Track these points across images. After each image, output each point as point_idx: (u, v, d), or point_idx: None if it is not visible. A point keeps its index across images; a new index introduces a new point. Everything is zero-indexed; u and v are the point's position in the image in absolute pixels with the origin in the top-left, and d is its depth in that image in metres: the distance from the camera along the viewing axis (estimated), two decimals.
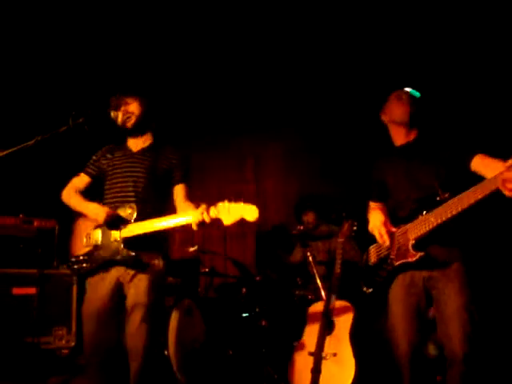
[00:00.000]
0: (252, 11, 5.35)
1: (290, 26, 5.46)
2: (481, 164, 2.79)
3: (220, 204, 2.78)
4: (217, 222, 2.80)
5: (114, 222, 3.03)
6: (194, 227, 2.87)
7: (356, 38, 5.43)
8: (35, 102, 5.52)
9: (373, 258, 3.12)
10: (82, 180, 3.33)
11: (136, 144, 3.28)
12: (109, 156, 3.30)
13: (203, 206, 2.83)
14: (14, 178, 4.87)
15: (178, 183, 3.24)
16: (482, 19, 4.68)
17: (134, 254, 2.98)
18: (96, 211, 3.08)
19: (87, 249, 3.14)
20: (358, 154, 5.71)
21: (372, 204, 3.26)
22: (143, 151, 3.26)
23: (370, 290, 3.07)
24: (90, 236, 3.15)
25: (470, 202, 2.58)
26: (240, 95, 6.23)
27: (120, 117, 3.14)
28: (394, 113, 3.09)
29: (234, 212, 2.72)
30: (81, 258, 3.13)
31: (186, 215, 2.91)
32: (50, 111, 4.97)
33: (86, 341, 3.06)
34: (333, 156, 6.03)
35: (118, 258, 3.00)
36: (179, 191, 3.23)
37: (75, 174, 3.37)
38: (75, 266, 3.16)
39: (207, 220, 2.82)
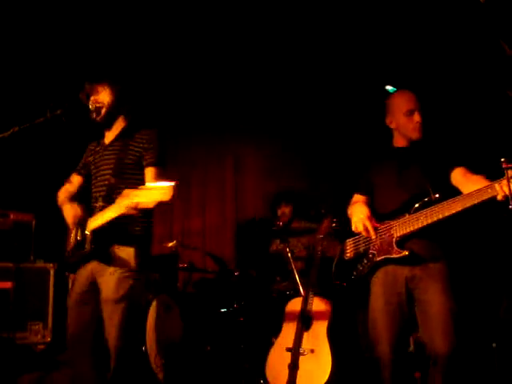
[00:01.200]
0: (237, 13, 5.34)
1: (273, 28, 5.47)
2: (460, 178, 2.84)
3: (139, 188, 2.65)
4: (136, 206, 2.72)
5: (82, 222, 3.03)
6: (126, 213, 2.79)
7: (336, 38, 5.45)
8: (13, 93, 5.44)
9: (349, 253, 3.10)
10: (74, 180, 3.33)
11: (109, 135, 3.22)
12: (91, 152, 3.28)
13: (127, 192, 2.74)
14: None
15: (147, 166, 3.09)
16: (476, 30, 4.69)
17: (94, 246, 2.95)
18: (66, 213, 3.14)
19: (72, 245, 3.12)
20: (338, 152, 5.76)
21: (356, 196, 3.24)
22: (114, 141, 3.18)
23: (344, 284, 3.06)
24: (75, 232, 3.12)
25: (465, 207, 2.60)
26: (221, 94, 6.23)
27: (90, 109, 3.09)
28: (406, 129, 3.04)
29: (149, 194, 2.61)
30: (67, 254, 3.14)
31: (113, 206, 2.84)
32: (27, 102, 4.90)
33: (69, 333, 3.05)
34: (312, 154, 6.06)
35: (88, 250, 2.98)
36: (147, 174, 3.08)
37: (53, 167, 3.33)
38: (65, 262, 3.18)
39: (126, 211, 2.74)
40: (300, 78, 5.93)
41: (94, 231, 2.96)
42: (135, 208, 2.72)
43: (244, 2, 5.22)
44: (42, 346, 4.70)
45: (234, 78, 6.07)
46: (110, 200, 2.97)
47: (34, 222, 4.91)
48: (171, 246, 4.99)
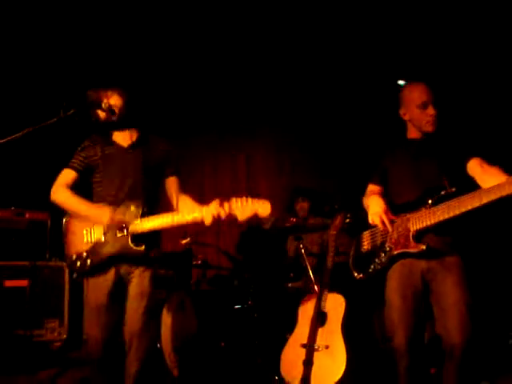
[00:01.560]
0: (242, 11, 5.34)
1: (279, 25, 5.46)
2: (477, 169, 2.82)
3: (233, 199, 2.80)
4: (231, 218, 2.82)
5: (117, 225, 3.03)
6: (208, 223, 2.88)
7: (344, 34, 5.43)
8: (26, 93, 5.48)
9: (366, 245, 3.11)
10: (69, 176, 3.22)
11: (124, 138, 3.21)
12: (97, 150, 3.21)
13: (217, 201, 2.84)
14: (4, 170, 4.84)
15: (170, 175, 3.23)
16: (488, 19, 4.65)
17: (142, 249, 2.98)
18: (100, 214, 3.04)
19: (88, 245, 3.09)
20: (350, 149, 5.74)
21: (371, 187, 3.24)
22: (134, 146, 3.20)
23: (361, 276, 3.06)
24: (90, 232, 3.11)
25: (483, 202, 2.57)
26: (231, 93, 6.23)
27: (103, 112, 3.09)
28: (420, 122, 3.02)
29: (247, 207, 2.75)
30: (84, 254, 3.08)
31: (198, 211, 2.91)
32: (40, 102, 4.94)
33: (90, 336, 3.05)
34: (324, 152, 6.06)
35: (126, 253, 3.00)
36: (172, 184, 3.21)
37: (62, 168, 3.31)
38: (78, 264, 3.09)
39: (223, 215, 2.82)
40: (310, 76, 5.93)
41: (134, 234, 2.99)
42: (222, 218, 2.82)
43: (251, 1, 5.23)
44: (58, 344, 4.74)
45: (244, 77, 6.07)
46: (143, 204, 3.03)
47: (49, 221, 4.95)
48: (185, 243, 5.00)
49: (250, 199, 2.77)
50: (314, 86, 5.94)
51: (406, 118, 3.10)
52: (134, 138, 3.23)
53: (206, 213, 2.87)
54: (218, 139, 6.44)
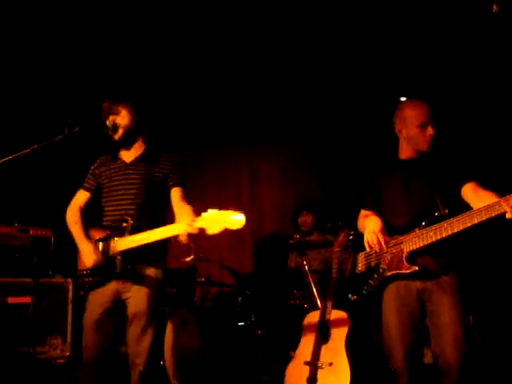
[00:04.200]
0: (247, 19, 5.37)
1: (286, 36, 5.49)
2: (471, 194, 2.83)
3: (209, 212, 2.73)
4: (203, 232, 2.76)
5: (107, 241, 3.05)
6: (183, 239, 2.87)
7: (349, 51, 5.47)
8: (31, 110, 5.51)
9: (360, 266, 3.11)
10: (82, 197, 3.31)
11: (128, 154, 3.24)
12: (103, 168, 3.27)
13: (189, 218, 2.82)
14: (9, 186, 4.86)
15: (173, 187, 3.21)
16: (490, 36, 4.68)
17: (130, 267, 2.98)
18: (86, 255, 3.10)
19: (91, 264, 3.11)
20: (354, 163, 5.75)
21: (363, 212, 3.24)
22: (136, 161, 3.22)
23: (355, 298, 3.06)
24: (88, 251, 3.13)
25: (474, 223, 2.60)
26: (236, 103, 6.26)
27: (108, 130, 3.12)
28: (417, 141, 3.01)
29: (219, 221, 2.69)
30: (84, 272, 3.12)
31: (173, 226, 2.91)
32: (46, 120, 4.97)
33: (86, 351, 3.08)
34: (328, 164, 6.06)
35: (115, 271, 2.99)
36: (174, 194, 3.20)
37: (71, 183, 3.35)
38: (80, 281, 3.15)
39: (193, 231, 2.79)
40: (316, 90, 5.96)
41: (124, 251, 2.98)
42: (196, 233, 2.77)
43: (263, 12, 5.26)
44: (61, 361, 4.72)
45: (250, 87, 6.10)
46: (140, 220, 3.02)
47: (52, 238, 4.96)
48: (189, 260, 5.00)
49: (222, 212, 2.70)
50: (319, 99, 5.99)
51: (402, 135, 3.07)
52: (139, 153, 3.25)
53: (179, 229, 2.85)
54: (223, 150, 6.47)
